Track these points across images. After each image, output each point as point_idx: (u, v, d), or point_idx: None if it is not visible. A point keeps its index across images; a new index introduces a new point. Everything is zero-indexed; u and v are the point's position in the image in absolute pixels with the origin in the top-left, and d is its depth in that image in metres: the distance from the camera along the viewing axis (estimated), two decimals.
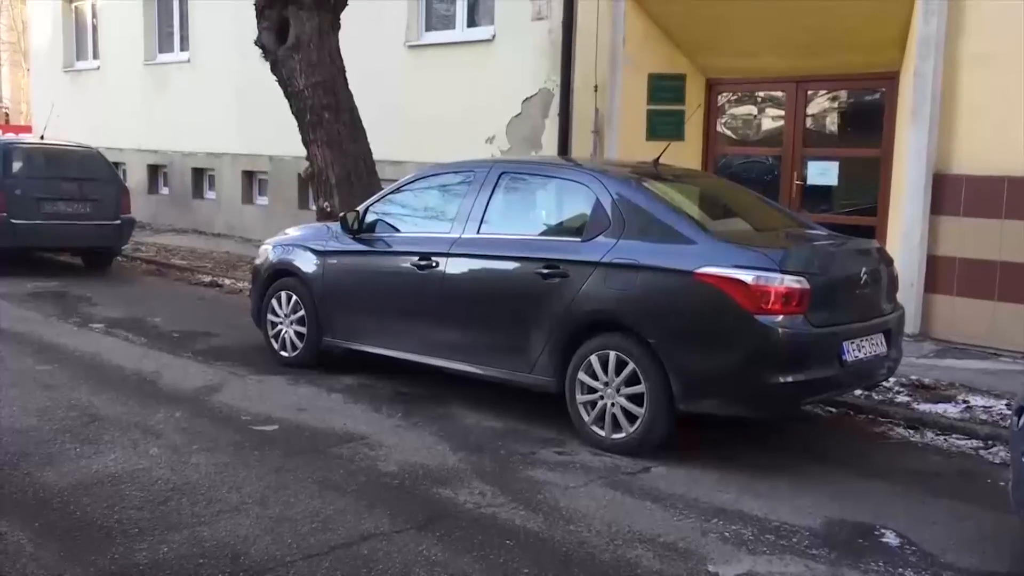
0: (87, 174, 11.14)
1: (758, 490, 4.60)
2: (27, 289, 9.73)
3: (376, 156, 9.51)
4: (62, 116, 15.60)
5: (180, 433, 5.15)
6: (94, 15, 18.11)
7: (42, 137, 12.06)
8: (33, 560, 3.55)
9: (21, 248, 11.02)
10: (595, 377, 5.15)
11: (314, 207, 11.75)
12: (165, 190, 16.56)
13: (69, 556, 3.60)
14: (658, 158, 6.03)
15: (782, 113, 9.70)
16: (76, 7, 18.64)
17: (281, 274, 6.95)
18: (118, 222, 11.18)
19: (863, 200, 9.23)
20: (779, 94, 9.74)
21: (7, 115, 51.06)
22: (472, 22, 11.61)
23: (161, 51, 16.48)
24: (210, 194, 15.71)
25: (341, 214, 6.75)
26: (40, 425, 5.18)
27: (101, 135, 15.65)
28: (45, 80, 19.49)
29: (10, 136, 15.69)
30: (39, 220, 10.50)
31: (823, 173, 9.18)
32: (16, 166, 10.73)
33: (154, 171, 16.71)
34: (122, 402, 5.72)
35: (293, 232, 7.26)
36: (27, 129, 24.42)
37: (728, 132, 10.35)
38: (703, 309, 4.82)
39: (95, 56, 18.14)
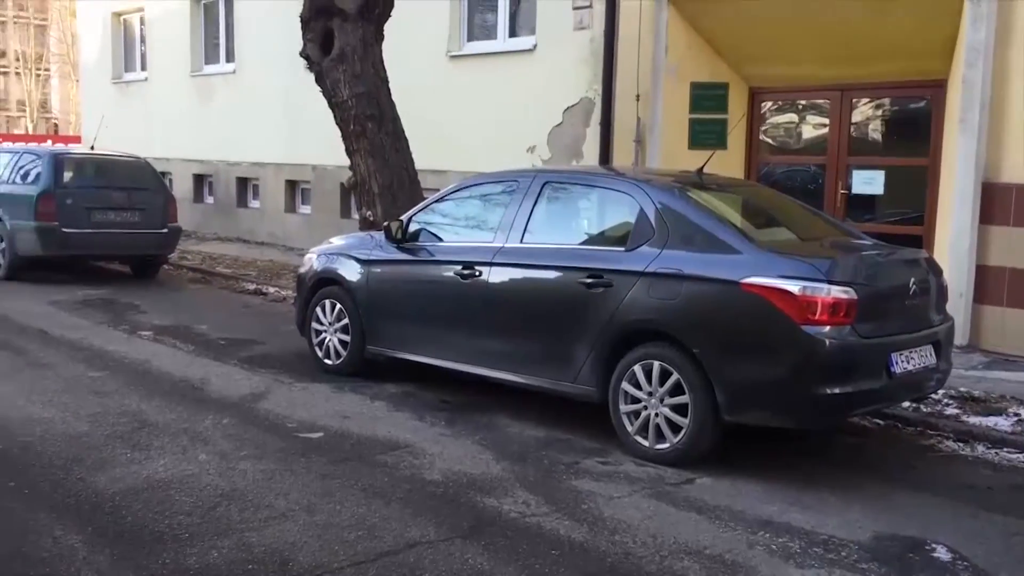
0: (136, 184, 11.35)
1: (805, 502, 4.56)
2: (78, 297, 9.92)
3: (418, 165, 9.57)
4: (111, 127, 15.90)
5: (227, 439, 5.22)
6: (142, 28, 18.45)
7: (92, 148, 12.31)
8: (87, 564, 3.61)
9: (72, 256, 11.25)
10: (639, 387, 5.13)
11: (356, 216, 11.86)
12: (210, 199, 16.80)
13: (121, 560, 3.66)
14: (702, 167, 6.01)
15: (826, 121, 9.62)
16: (125, 20, 19.01)
17: (325, 283, 7.02)
18: (165, 231, 11.37)
19: (909, 209, 9.12)
20: (823, 102, 9.66)
21: (57, 126, 52.25)
22: (513, 32, 11.67)
23: (207, 62, 16.75)
24: (254, 203, 15.92)
25: (385, 223, 6.80)
26: (92, 431, 5.27)
27: (148, 145, 15.94)
28: (94, 92, 19.88)
29: (60, 146, 16.04)
30: (89, 229, 10.71)
31: (868, 182, 9.08)
32: (67, 176, 10.96)
33: (200, 180, 16.97)
34: (171, 408, 5.81)
35: (337, 241, 7.33)
36: (76, 139, 24.98)
37: (770, 141, 10.29)
38: (748, 319, 4.79)
39: (143, 68, 18.49)
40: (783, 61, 9.27)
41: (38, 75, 52.16)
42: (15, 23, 53.15)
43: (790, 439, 5.55)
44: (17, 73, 53.84)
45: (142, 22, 18.41)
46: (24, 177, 11.10)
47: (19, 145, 17.50)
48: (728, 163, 9.14)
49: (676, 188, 5.54)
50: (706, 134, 9.50)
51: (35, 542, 3.78)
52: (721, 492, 4.65)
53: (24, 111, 52.73)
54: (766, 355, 4.77)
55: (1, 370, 6.62)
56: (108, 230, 10.85)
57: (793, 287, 4.64)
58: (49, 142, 26.12)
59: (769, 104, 10.09)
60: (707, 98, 9.63)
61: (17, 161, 11.45)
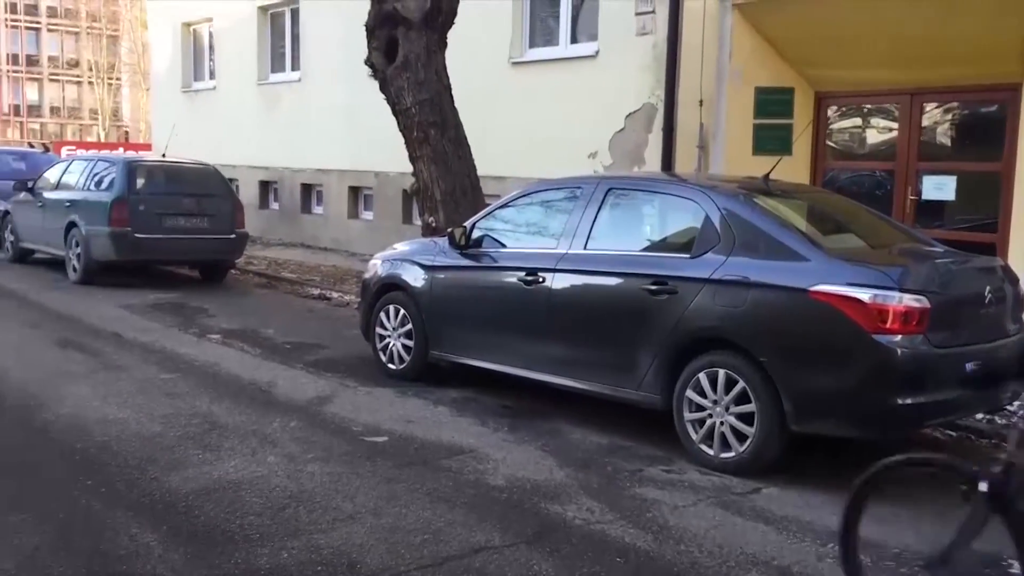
0: (205, 190, 11.60)
1: (876, 514, 4.45)
2: (149, 300, 10.18)
3: (479, 172, 9.63)
4: (180, 134, 16.31)
5: (295, 442, 5.31)
6: (211, 38, 18.89)
7: (164, 155, 12.63)
8: (162, 562, 3.71)
9: (144, 261, 11.56)
10: (704, 395, 5.09)
11: (418, 222, 11.95)
12: (275, 205, 17.10)
13: (195, 559, 3.75)
14: (768, 173, 5.94)
15: (895, 126, 9.44)
16: (194, 30, 19.47)
17: (389, 288, 7.09)
18: (233, 236, 11.60)
19: (981, 216, 8.89)
20: (892, 106, 9.48)
21: (127, 134, 53.68)
22: (575, 38, 11.67)
23: (273, 71, 17.07)
24: (318, 209, 16.17)
25: (449, 230, 6.86)
26: (165, 432, 5.41)
27: (216, 152, 16.28)
28: (165, 100, 20.40)
29: (131, 154, 16.49)
30: (160, 234, 10.98)
31: (939, 188, 8.88)
32: (140, 183, 11.25)
33: (265, 187, 17.29)
34: (240, 411, 5.93)
35: (401, 247, 7.41)
36: (147, 147, 25.64)
37: (836, 146, 10.12)
38: (817, 328, 4.73)
39: (211, 77, 18.92)
40: (851, 64, 9.12)
41: (110, 84, 53.67)
42: (88, 34, 54.83)
43: (859, 449, 5.45)
44: (90, 83, 55.49)
45: (211, 32, 18.84)
46: (98, 184, 11.43)
47: (93, 153, 18.02)
48: (793, 168, 9.02)
49: (742, 194, 5.49)
50: (771, 139, 9.39)
51: (113, 539, 3.89)
52: (788, 503, 4.59)
53: (96, 119, 54.29)
54: (835, 364, 4.70)
55: (78, 371, 6.83)
56: (178, 235, 11.11)
57: (863, 295, 4.57)
58: (121, 149, 26.85)
59: (835, 108, 9.93)
60: (772, 103, 9.52)
61: (92, 168, 11.80)
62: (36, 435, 5.32)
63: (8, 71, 66.84)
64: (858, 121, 10.11)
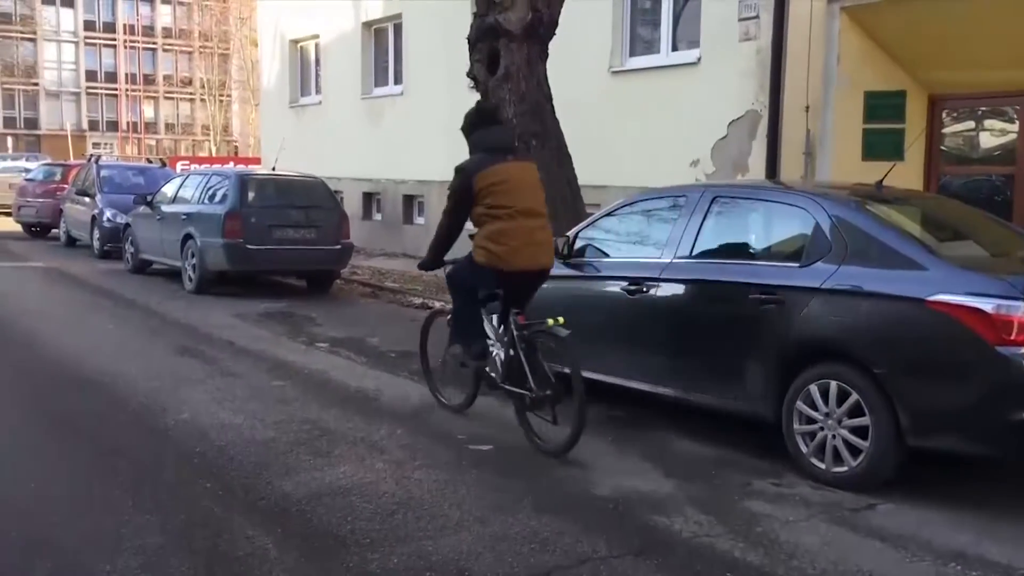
0: (312, 202, 11.93)
1: (1000, 534, 4.28)
2: (259, 309, 10.52)
3: (579, 181, 9.63)
4: (287, 148, 16.83)
5: (402, 449, 5.40)
6: (317, 54, 19.44)
7: (273, 169, 13.04)
8: (277, 564, 3.82)
9: (254, 271, 11.96)
10: (815, 407, 4.97)
11: None
12: (378, 216, 17.46)
13: (308, 562, 3.85)
14: (882, 179, 5.77)
15: (1013, 128, 9.05)
16: (301, 47, 20.07)
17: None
18: (339, 247, 11.89)
19: None
20: (1009, 108, 9.09)
21: (236, 148, 55.62)
22: (675, 46, 11.58)
23: (377, 85, 17.46)
24: (419, 219, 16.43)
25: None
26: (277, 437, 5.57)
27: (322, 165, 16.72)
28: (273, 115, 21.08)
29: (241, 167, 17.09)
30: (270, 245, 11.33)
31: None
32: (251, 196, 11.64)
33: (368, 198, 17.66)
34: (348, 418, 6.07)
35: None
36: (256, 161, 26.50)
37: (950, 150, 9.76)
38: (936, 339, 4.56)
39: (317, 92, 19.47)
40: (967, 66, 8.78)
41: (221, 101, 55.71)
42: (201, 53, 57.04)
43: (979, 465, 5.23)
44: (202, 99, 57.68)
45: (317, 49, 19.39)
46: (212, 198, 11.87)
47: (206, 167, 18.75)
48: (905, 174, 8.73)
49: (853, 201, 5.35)
50: (882, 145, 9.12)
51: (231, 541, 4.03)
52: (905, 520, 4.43)
53: (208, 134, 56.43)
54: (956, 377, 4.52)
55: (196, 377, 7.10)
56: (287, 246, 11.45)
57: (986, 305, 4.39)
58: (231, 163, 27.86)
59: (950, 111, 9.57)
60: (883, 107, 9.25)
61: (206, 182, 12.28)
62: (158, 438, 5.55)
63: (127, 90, 70.17)
64: (974, 124, 9.73)
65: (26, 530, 4.08)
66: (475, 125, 5.89)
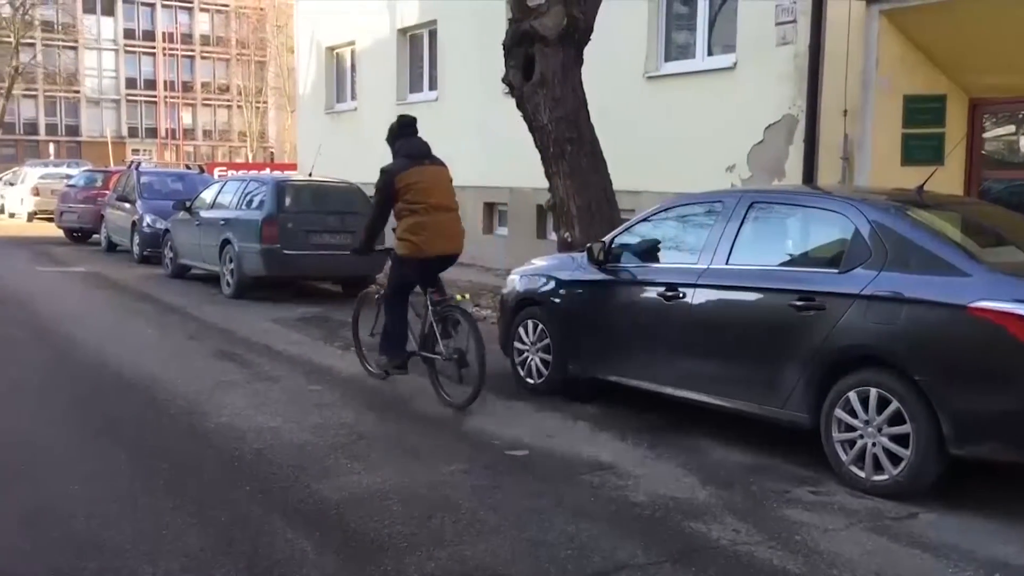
0: (348, 208, 12.00)
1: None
2: (296, 314, 10.61)
3: (615, 186, 9.61)
4: (323, 154, 16.97)
5: (438, 454, 5.42)
6: (353, 61, 19.59)
7: (310, 175, 13.16)
8: (316, 567, 3.85)
9: (291, 276, 12.06)
10: (854, 415, 4.91)
11: (552, 237, 12.02)
12: None
13: (347, 564, 3.88)
14: (923, 184, 5.70)
15: None
16: (337, 54, 20.24)
17: (527, 303, 7.16)
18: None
19: None
20: None
21: (272, 154, 56.15)
22: (711, 51, 11.53)
23: (411, 91, 17.55)
24: None
25: (587, 245, 6.86)
26: (315, 441, 5.62)
27: (357, 171, 16.77)
28: (309, 122, 21.27)
29: (280, 174, 17.24)
30: (307, 251, 11.43)
31: None
32: (288, 202, 11.75)
33: None
34: (384, 422, 6.11)
35: (539, 263, 7.48)
36: (292, 167, 26.77)
37: (992, 154, 9.62)
38: (979, 346, 4.50)
39: (353, 98, 19.61)
40: (1008, 69, 8.64)
41: (257, 107, 56.34)
42: (238, 60, 57.76)
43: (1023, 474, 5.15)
44: (239, 106, 58.38)
45: (352, 55, 19.54)
46: (250, 203, 12.00)
47: (243, 173, 18.95)
48: (946, 179, 8.61)
49: (893, 206, 5.29)
50: (921, 149, 9.00)
51: (270, 543, 4.07)
52: (948, 529, 4.38)
53: (244, 141, 57.05)
54: (1000, 385, 4.45)
55: (234, 381, 7.18)
56: (323, 252, 11.52)
57: None
58: (267, 169, 28.14)
59: (991, 116, 9.44)
60: (922, 111, 9.13)
61: (244, 188, 12.41)
62: (199, 441, 5.62)
63: (166, 97, 71.20)
64: (1015, 128, 9.58)
65: (71, 531, 4.15)
66: (397, 136, 7.00)
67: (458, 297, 6.62)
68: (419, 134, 7.12)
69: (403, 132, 7.06)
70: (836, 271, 5.17)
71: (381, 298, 7.11)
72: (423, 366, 6.86)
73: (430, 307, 6.69)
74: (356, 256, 7.59)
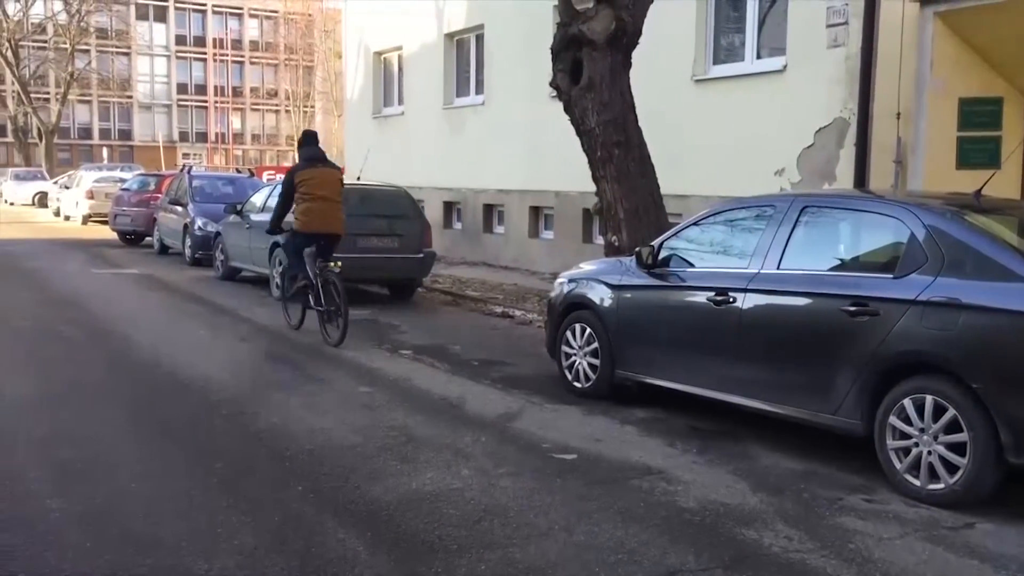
0: (396, 211, 12.10)
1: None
2: None
3: (662, 190, 9.57)
4: (371, 157, 17.14)
5: (487, 457, 5.44)
6: (400, 65, 19.75)
7: (358, 178, 13.27)
8: (368, 568, 3.88)
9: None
10: (909, 422, 4.84)
11: (598, 241, 12.00)
12: (458, 225, 17.63)
13: (399, 566, 3.92)
14: (980, 189, 5.60)
15: None
16: (384, 59, 20.43)
17: (575, 307, 7.16)
18: (421, 255, 12.04)
19: None
20: None
21: None
22: (760, 54, 11.44)
23: (458, 95, 17.66)
24: (499, 228, 16.54)
25: (636, 249, 6.84)
26: (364, 443, 5.67)
27: (404, 174, 16.98)
28: (357, 126, 21.49)
29: None
30: (355, 254, 11.46)
31: None
32: None
33: (449, 207, 17.86)
34: (433, 424, 6.14)
35: (587, 266, 7.47)
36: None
37: None
38: None
39: (400, 103, 19.77)
40: None
41: (305, 112, 57.00)
42: (286, 66, 58.51)
43: None
44: (287, 111, 59.17)
45: (400, 60, 19.71)
46: None
47: None
48: (1004, 184, 8.46)
49: (949, 211, 5.21)
50: (977, 153, 8.86)
51: (323, 543, 4.11)
52: (1007, 539, 4.29)
53: (292, 145, 57.71)
54: None
55: (285, 383, 7.28)
56: (371, 255, 11.61)
57: None
58: None
59: None
60: (978, 114, 8.98)
61: None
62: (251, 441, 5.70)
63: (216, 102, 72.35)
64: None
65: (129, 529, 4.23)
66: (302, 145, 9.61)
67: (331, 265, 8.92)
68: (319, 144, 9.59)
69: (306, 142, 9.54)
70: (891, 276, 5.10)
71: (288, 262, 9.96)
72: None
73: (317, 272, 9.02)
74: (270, 235, 10.21)
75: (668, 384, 6.40)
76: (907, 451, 4.86)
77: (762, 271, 5.73)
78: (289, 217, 9.38)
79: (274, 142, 71.37)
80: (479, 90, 16.96)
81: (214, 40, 71.81)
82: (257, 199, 13.61)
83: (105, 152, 59.29)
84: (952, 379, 4.69)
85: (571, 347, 7.12)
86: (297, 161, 9.48)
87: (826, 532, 4.35)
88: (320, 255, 9.06)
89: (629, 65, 9.43)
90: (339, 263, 8.97)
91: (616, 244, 9.20)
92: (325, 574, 3.81)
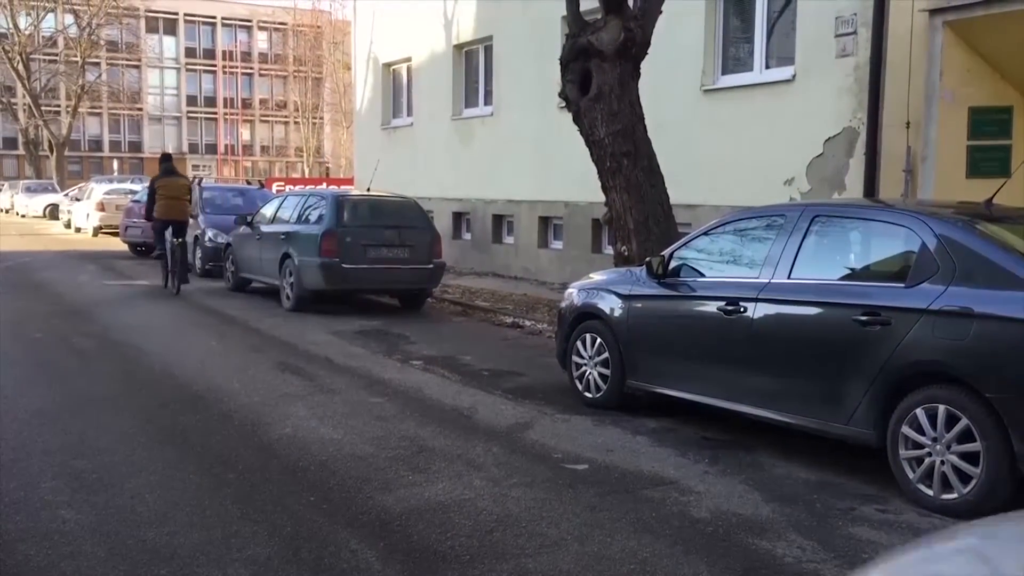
0: (405, 222, 12.14)
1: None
2: (355, 327, 10.74)
3: (671, 200, 9.58)
4: (380, 169, 17.21)
5: (498, 467, 5.45)
6: (409, 77, 19.82)
7: (368, 189, 13.34)
8: None
9: (350, 290, 12.21)
10: (921, 432, 4.84)
11: (607, 251, 12.02)
12: (467, 235, 17.66)
13: None
14: (991, 197, 5.60)
15: None
16: (393, 70, 20.50)
17: (586, 317, 7.17)
18: (431, 266, 12.07)
19: None
20: None
21: (328, 169, 56.92)
22: (768, 64, 11.45)
23: (467, 106, 17.71)
24: (508, 239, 16.55)
25: (646, 259, 6.86)
26: (376, 453, 5.68)
27: (413, 185, 17.05)
28: (366, 137, 21.56)
29: (338, 189, 17.50)
30: (365, 264, 11.57)
31: None
32: (347, 216, 11.92)
33: (458, 218, 17.89)
34: (444, 435, 6.15)
35: (597, 276, 7.48)
36: (348, 181, 27.10)
37: None
38: None
39: (409, 114, 19.83)
40: None
41: (314, 123, 57.15)
42: (295, 77, 58.67)
43: None
44: (296, 122, 59.27)
45: (408, 71, 19.78)
46: (309, 218, 12.20)
47: (301, 188, 19.24)
48: (1015, 192, 8.43)
49: (962, 220, 5.21)
50: (987, 162, 8.85)
51: (336, 554, 4.12)
52: None
53: (301, 156, 57.93)
54: None
55: (296, 392, 7.30)
56: (381, 265, 11.67)
57: None
58: (324, 184, 28.53)
59: None
60: (988, 123, 8.98)
61: (304, 203, 12.63)
62: (263, 452, 5.72)
63: (225, 114, 72.70)
64: None
65: (143, 538, 4.25)
66: (161, 162, 14.32)
67: (176, 241, 13.31)
68: (172, 162, 14.36)
69: (163, 160, 14.36)
70: (902, 286, 5.09)
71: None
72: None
73: (168, 246, 13.42)
74: (147, 221, 14.48)
75: (679, 394, 6.40)
76: (920, 461, 4.85)
77: (773, 280, 5.74)
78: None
79: (283, 153, 71.57)
80: (488, 101, 17.01)
81: (224, 52, 72.22)
82: (267, 210, 13.68)
83: (115, 164, 59.60)
84: (965, 388, 4.68)
85: (581, 357, 7.13)
86: (159, 173, 14.02)
87: (839, 543, 4.35)
88: (174, 235, 13.35)
89: (638, 75, 9.47)
90: (183, 240, 13.42)
91: (626, 254, 9.21)
92: None
